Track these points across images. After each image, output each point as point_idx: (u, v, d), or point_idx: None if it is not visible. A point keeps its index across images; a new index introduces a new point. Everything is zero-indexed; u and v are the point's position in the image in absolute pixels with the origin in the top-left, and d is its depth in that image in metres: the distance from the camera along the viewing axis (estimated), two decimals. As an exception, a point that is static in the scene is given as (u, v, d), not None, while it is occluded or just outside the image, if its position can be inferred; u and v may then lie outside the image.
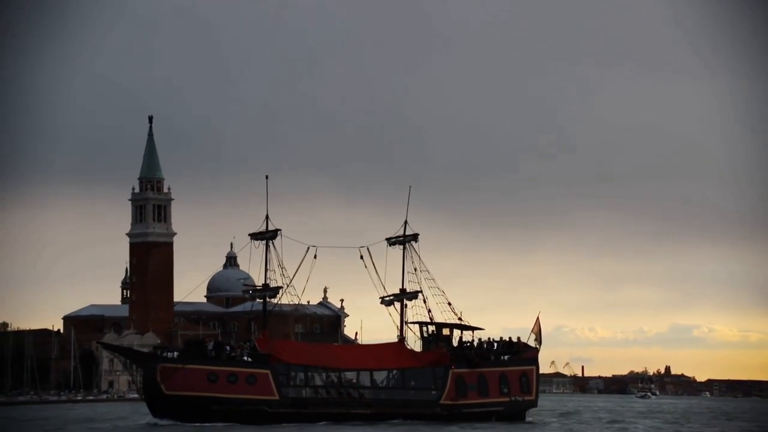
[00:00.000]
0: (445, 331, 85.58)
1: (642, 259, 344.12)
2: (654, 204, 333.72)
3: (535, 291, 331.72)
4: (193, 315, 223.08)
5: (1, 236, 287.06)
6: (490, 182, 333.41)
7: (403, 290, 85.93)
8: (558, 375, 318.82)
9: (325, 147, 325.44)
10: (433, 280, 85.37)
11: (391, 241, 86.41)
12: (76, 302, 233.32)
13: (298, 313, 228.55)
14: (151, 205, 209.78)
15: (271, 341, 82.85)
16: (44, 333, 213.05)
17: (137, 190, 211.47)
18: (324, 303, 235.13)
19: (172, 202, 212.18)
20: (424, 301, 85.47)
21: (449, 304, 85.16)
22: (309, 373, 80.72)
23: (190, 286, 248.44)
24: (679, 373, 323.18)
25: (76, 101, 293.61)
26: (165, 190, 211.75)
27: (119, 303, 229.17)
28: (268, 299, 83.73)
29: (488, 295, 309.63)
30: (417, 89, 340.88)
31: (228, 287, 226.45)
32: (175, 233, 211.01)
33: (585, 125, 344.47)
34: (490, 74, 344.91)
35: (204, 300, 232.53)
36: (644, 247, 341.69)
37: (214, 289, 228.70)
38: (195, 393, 78.08)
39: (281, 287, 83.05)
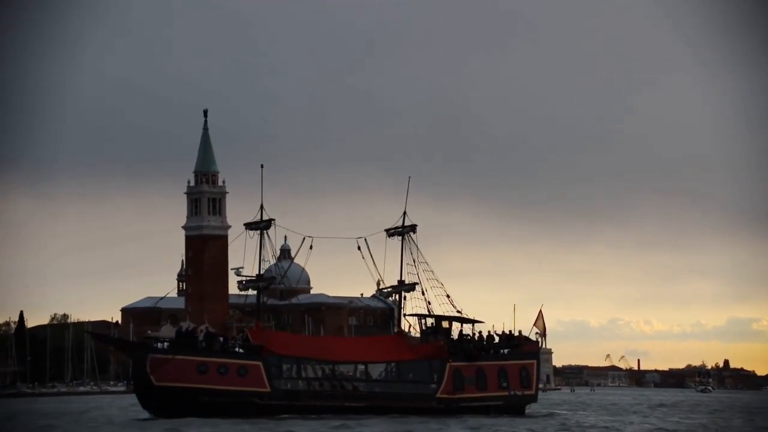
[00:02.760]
0: (444, 324, 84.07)
1: (699, 251, 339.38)
2: (711, 196, 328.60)
3: (590, 284, 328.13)
4: (247, 307, 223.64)
5: (61, 230, 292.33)
6: (546, 175, 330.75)
7: (401, 282, 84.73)
8: (613, 368, 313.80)
9: (381, 139, 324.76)
10: (432, 272, 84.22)
11: (390, 232, 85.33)
12: (134, 294, 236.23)
13: (351, 305, 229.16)
14: (206, 198, 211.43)
15: (264, 332, 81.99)
16: (103, 324, 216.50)
17: (192, 183, 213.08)
18: (377, 296, 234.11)
19: (227, 195, 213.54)
20: (423, 293, 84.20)
21: (448, 296, 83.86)
22: (302, 365, 79.38)
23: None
24: (738, 366, 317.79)
25: (133, 96, 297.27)
26: (219, 183, 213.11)
27: (176, 295, 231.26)
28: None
29: (543, 289, 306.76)
30: (468, 80, 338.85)
31: (282, 280, 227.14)
32: (230, 226, 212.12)
33: (643, 116, 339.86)
34: (545, 66, 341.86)
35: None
36: (701, 239, 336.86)
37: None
38: (185, 384, 77.03)
39: (275, 277, 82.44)
